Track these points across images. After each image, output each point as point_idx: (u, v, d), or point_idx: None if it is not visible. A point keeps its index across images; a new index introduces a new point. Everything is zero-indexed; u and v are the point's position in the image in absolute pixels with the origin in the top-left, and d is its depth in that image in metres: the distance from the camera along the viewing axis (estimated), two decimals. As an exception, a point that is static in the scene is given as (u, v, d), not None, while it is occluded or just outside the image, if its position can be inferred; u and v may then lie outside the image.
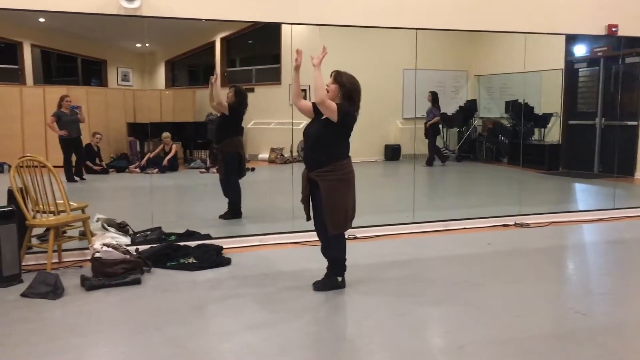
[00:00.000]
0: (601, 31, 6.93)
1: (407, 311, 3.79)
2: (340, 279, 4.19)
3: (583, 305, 3.89)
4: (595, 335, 3.39)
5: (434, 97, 10.46)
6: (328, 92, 3.95)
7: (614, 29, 6.87)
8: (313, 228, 5.87)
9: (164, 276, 4.57)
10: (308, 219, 4.20)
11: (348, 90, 3.98)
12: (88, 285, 4.21)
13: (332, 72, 4.07)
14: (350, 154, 4.09)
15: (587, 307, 3.87)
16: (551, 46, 9.76)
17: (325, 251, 4.20)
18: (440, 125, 10.80)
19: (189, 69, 12.41)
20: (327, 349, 3.25)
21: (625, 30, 6.94)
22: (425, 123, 10.32)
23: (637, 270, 4.92)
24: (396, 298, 4.06)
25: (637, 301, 4.13)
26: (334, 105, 3.87)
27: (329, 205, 3.96)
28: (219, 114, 6.66)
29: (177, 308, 3.88)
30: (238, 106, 6.53)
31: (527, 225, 6.41)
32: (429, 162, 10.42)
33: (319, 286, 4.16)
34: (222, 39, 11.27)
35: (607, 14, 6.88)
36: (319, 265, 4.53)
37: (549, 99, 10.56)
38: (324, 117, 3.95)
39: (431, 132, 10.34)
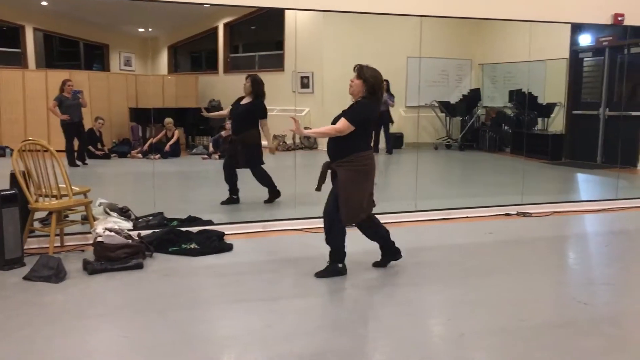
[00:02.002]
0: (607, 20, 6.87)
1: (408, 299, 3.79)
2: (341, 265, 4.21)
3: (585, 295, 3.89)
4: (597, 325, 3.39)
5: (387, 85, 10.25)
6: (352, 86, 4.05)
7: (620, 19, 6.81)
8: (315, 215, 5.89)
9: (166, 261, 4.58)
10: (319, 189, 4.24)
11: (371, 84, 4.02)
12: (90, 269, 4.22)
13: (355, 66, 4.09)
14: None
15: (589, 297, 3.87)
16: (556, 35, 9.71)
17: (327, 238, 4.21)
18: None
19: (192, 54, 12.37)
20: (330, 335, 3.25)
21: (632, 19, 6.88)
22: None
23: (638, 261, 4.92)
24: (397, 286, 4.07)
25: (638, 291, 4.13)
26: (344, 126, 3.96)
27: (345, 195, 4.01)
28: (241, 104, 6.61)
29: (178, 293, 3.89)
30: (257, 97, 6.54)
31: (530, 215, 6.41)
32: (390, 150, 10.36)
33: (322, 273, 4.18)
34: (225, 25, 11.22)
35: (614, 3, 6.82)
36: (322, 251, 4.53)
37: (553, 89, 10.52)
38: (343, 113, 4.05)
39: (387, 120, 10.16)
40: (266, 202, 6.64)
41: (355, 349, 3.12)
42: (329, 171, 4.14)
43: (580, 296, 3.87)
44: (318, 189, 4.18)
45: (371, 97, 4.03)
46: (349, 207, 4.02)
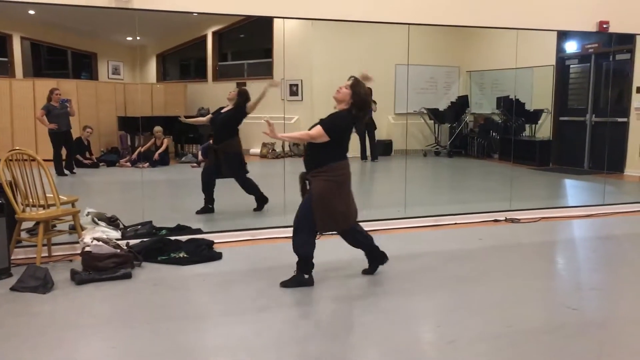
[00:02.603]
0: (592, 28, 6.95)
1: (397, 306, 3.79)
2: (307, 276, 4.16)
3: (573, 300, 3.91)
4: (586, 329, 3.41)
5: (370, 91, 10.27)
6: (339, 92, 4.06)
7: (605, 26, 6.89)
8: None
9: (155, 270, 4.55)
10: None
11: (361, 101, 4.05)
12: (78, 279, 4.19)
13: (350, 77, 4.12)
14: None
15: (577, 302, 3.89)
16: (543, 42, 9.80)
17: (294, 246, 4.19)
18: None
19: (181, 62, 12.35)
20: (320, 343, 3.25)
21: (616, 27, 6.96)
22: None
23: (626, 266, 4.96)
24: (386, 294, 4.07)
25: (626, 296, 4.16)
26: (318, 133, 3.96)
27: (318, 204, 4.01)
28: (222, 112, 6.67)
29: (167, 302, 3.86)
30: (242, 107, 6.55)
31: (518, 221, 6.44)
32: (376, 156, 10.36)
33: (287, 283, 4.15)
34: (214, 33, 11.22)
35: (599, 11, 6.90)
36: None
37: (540, 95, 10.61)
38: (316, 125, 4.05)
39: (372, 126, 10.16)
40: (255, 210, 6.64)
41: (345, 357, 3.11)
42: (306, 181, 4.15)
43: (568, 301, 3.89)
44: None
45: (353, 113, 4.03)
46: (322, 216, 4.02)
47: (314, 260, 4.15)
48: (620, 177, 9.11)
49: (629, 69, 9.27)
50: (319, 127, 3.97)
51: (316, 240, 4.15)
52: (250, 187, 6.63)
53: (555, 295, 4.13)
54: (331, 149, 4.02)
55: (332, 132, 3.96)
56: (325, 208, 4.02)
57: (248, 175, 6.68)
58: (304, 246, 4.11)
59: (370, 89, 4.17)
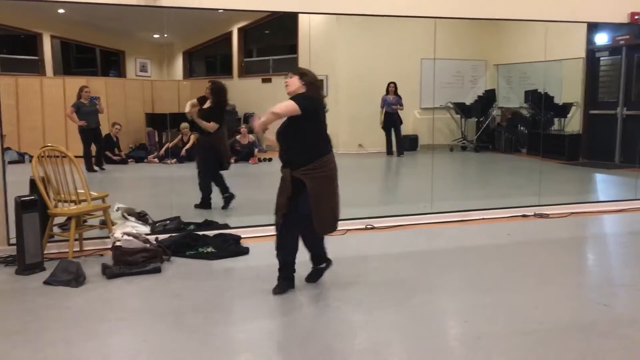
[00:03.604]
0: (624, 19, 6.80)
1: (424, 301, 3.78)
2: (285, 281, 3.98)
3: (604, 297, 3.85)
4: (617, 326, 3.36)
5: (395, 87, 10.10)
6: (288, 85, 3.87)
7: (637, 17, 6.73)
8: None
9: (183, 265, 4.61)
10: (282, 220, 3.89)
11: (310, 78, 3.87)
12: (109, 273, 4.26)
13: (287, 73, 3.98)
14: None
15: (608, 298, 3.83)
16: (572, 35, 9.62)
17: (320, 250, 4.06)
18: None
19: (207, 59, 12.42)
20: (343, 337, 3.25)
21: (649, 18, 6.80)
22: (388, 112, 9.85)
23: (659, 262, 4.86)
24: (411, 290, 4.05)
25: (659, 293, 4.08)
26: (289, 103, 3.75)
27: (322, 205, 3.81)
28: (204, 108, 6.69)
29: (196, 296, 3.91)
30: (216, 105, 6.57)
31: (547, 216, 6.35)
32: (402, 151, 10.24)
33: (277, 290, 3.92)
34: (240, 30, 11.26)
35: (630, 2, 6.74)
36: (336, 255, 4.53)
37: (569, 89, 10.42)
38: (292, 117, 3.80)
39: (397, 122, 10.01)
40: (197, 206, 6.53)
41: (370, 350, 3.11)
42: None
43: (599, 298, 3.83)
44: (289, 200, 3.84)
45: (312, 89, 3.84)
46: (325, 217, 3.83)
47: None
48: (652, 171, 8.91)
49: (662, 60, 9.06)
50: (289, 101, 3.76)
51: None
52: (203, 188, 6.60)
53: (585, 292, 4.06)
54: (317, 140, 3.83)
55: (304, 107, 3.70)
56: (326, 207, 3.82)
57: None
58: (283, 249, 3.95)
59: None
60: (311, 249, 4.09)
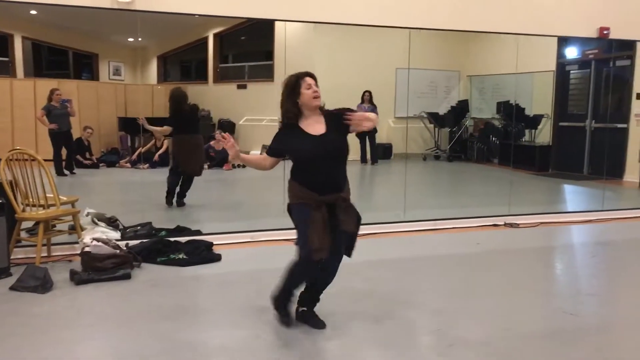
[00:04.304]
0: (593, 34, 6.97)
1: (396, 308, 3.80)
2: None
3: (572, 306, 3.92)
4: (584, 335, 3.42)
5: (370, 96, 10.23)
6: (319, 96, 3.45)
7: (605, 32, 6.91)
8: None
9: (154, 271, 4.56)
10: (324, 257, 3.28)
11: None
12: (77, 279, 4.19)
13: (311, 75, 3.52)
14: None
15: (575, 307, 3.90)
16: (543, 48, 9.81)
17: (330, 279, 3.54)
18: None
19: (182, 64, 12.35)
20: (320, 345, 3.25)
21: (617, 33, 6.99)
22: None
23: (625, 272, 4.97)
24: (383, 297, 4.07)
25: (624, 302, 4.17)
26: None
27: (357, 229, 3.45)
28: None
29: (167, 303, 3.87)
30: (170, 111, 7.01)
31: (517, 226, 6.45)
32: (375, 160, 10.30)
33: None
34: (215, 35, 11.23)
35: (599, 17, 6.92)
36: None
37: (540, 101, 10.62)
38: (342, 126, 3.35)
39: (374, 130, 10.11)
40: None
41: (345, 356, 3.12)
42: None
43: (567, 306, 3.90)
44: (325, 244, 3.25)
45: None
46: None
47: None
48: (619, 183, 9.13)
49: (629, 75, 9.29)
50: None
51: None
52: (170, 182, 6.96)
53: (553, 300, 4.13)
54: None
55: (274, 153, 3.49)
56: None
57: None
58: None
59: None
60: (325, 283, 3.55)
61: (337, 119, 3.36)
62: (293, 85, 3.40)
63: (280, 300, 3.49)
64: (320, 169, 3.29)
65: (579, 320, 3.66)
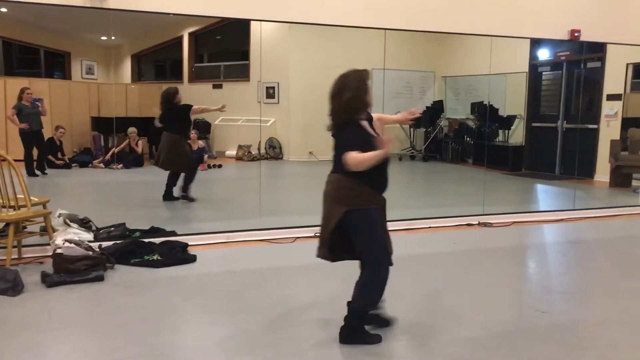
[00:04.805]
0: (564, 36, 7.10)
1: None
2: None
3: (544, 304, 3.98)
4: (555, 333, 3.47)
5: None
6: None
7: (576, 34, 7.04)
8: (279, 226, 5.91)
9: (128, 273, 4.50)
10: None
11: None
12: (49, 281, 4.12)
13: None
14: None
15: (547, 305, 3.96)
16: (516, 49, 9.95)
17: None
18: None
19: (156, 63, 12.23)
20: (294, 346, 3.25)
21: (588, 35, 7.12)
22: None
23: (596, 270, 5.06)
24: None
25: (595, 300, 4.25)
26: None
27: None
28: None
29: (140, 305, 3.83)
30: (161, 110, 7.22)
31: (491, 225, 6.53)
32: None
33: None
34: (190, 34, 11.15)
35: (571, 20, 7.05)
36: (284, 263, 4.54)
37: (513, 102, 10.76)
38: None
39: None
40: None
41: (322, 356, 3.12)
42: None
43: (539, 305, 3.96)
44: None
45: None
46: None
47: None
48: (590, 182, 9.30)
49: (599, 76, 9.47)
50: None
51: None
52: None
53: (526, 299, 4.19)
54: None
55: None
56: None
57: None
58: None
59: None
60: None
61: (370, 122, 3.31)
62: (365, 80, 3.25)
63: (362, 325, 3.30)
64: (386, 170, 3.29)
65: (551, 318, 3.72)
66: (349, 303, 3.29)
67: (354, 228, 3.20)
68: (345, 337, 3.25)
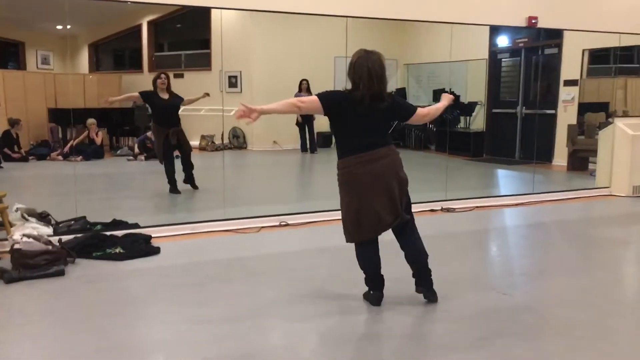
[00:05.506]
0: (522, 23, 7.21)
1: (338, 295, 3.84)
2: (371, 292, 3.67)
3: (505, 286, 4.07)
4: (516, 314, 3.56)
5: (307, 84, 10.29)
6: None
7: (533, 21, 7.16)
8: (244, 216, 5.88)
9: (90, 267, 4.42)
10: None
11: (350, 77, 3.48)
12: (7, 277, 4.02)
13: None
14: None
15: (509, 287, 4.06)
16: (476, 37, 10.08)
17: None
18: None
19: (115, 52, 11.98)
20: (256, 336, 3.25)
21: (545, 22, 7.25)
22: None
23: (555, 251, 5.20)
24: (324, 284, 4.11)
25: (554, 280, 4.36)
26: (312, 99, 3.43)
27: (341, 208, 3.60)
28: (165, 99, 7.14)
29: (103, 299, 3.77)
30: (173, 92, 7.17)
31: (454, 210, 6.63)
32: (314, 148, 10.23)
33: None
34: (149, 23, 10.94)
35: (528, 6, 7.16)
36: (250, 253, 4.52)
37: (474, 88, 10.92)
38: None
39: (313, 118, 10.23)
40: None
41: (286, 348, 3.13)
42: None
43: (501, 287, 4.05)
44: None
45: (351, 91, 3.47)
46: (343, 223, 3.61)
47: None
48: (548, 167, 9.53)
49: (557, 62, 9.68)
50: (312, 97, 3.46)
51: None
52: (165, 171, 7.13)
53: (488, 281, 4.28)
54: (337, 138, 3.55)
55: (325, 100, 3.39)
56: (342, 213, 3.60)
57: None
58: (358, 258, 3.68)
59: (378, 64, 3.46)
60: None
61: None
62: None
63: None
64: None
65: (512, 299, 3.81)
66: (414, 264, 3.67)
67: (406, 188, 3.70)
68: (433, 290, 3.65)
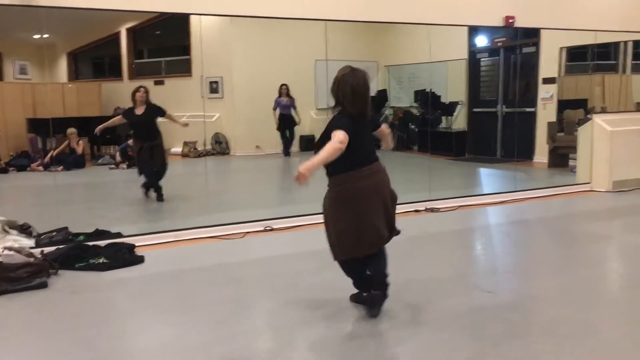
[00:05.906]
0: (499, 22, 7.28)
1: (326, 300, 3.84)
2: (363, 293, 3.64)
3: (489, 284, 4.10)
4: (501, 311, 3.58)
5: (287, 89, 10.33)
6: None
7: (511, 21, 7.24)
8: (228, 222, 5.85)
9: (73, 278, 4.38)
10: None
11: (333, 93, 3.52)
12: (-12, 292, 3.96)
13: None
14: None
15: (493, 285, 4.09)
16: (455, 37, 10.17)
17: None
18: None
19: (94, 61, 11.89)
20: (243, 342, 3.24)
21: (522, 21, 7.33)
22: (282, 114, 10.03)
23: (537, 249, 5.25)
24: (310, 287, 4.11)
25: (537, 277, 4.41)
26: (344, 134, 3.28)
27: (325, 225, 3.58)
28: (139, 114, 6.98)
29: (87, 310, 3.73)
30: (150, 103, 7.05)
31: (438, 210, 6.66)
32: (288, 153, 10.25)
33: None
34: (128, 30, 10.88)
35: (505, 6, 7.23)
36: (235, 259, 4.50)
37: (454, 88, 11.00)
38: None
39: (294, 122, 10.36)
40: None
41: (273, 354, 3.12)
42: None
43: (485, 285, 4.07)
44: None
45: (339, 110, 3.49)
46: (329, 240, 3.56)
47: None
48: (529, 164, 9.62)
49: (535, 61, 9.78)
50: (337, 131, 3.29)
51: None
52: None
53: (472, 280, 4.30)
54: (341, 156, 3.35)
55: (348, 129, 3.31)
56: (327, 230, 3.56)
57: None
58: (342, 268, 3.64)
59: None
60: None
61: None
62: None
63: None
64: None
65: (496, 297, 3.84)
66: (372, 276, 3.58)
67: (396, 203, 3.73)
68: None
